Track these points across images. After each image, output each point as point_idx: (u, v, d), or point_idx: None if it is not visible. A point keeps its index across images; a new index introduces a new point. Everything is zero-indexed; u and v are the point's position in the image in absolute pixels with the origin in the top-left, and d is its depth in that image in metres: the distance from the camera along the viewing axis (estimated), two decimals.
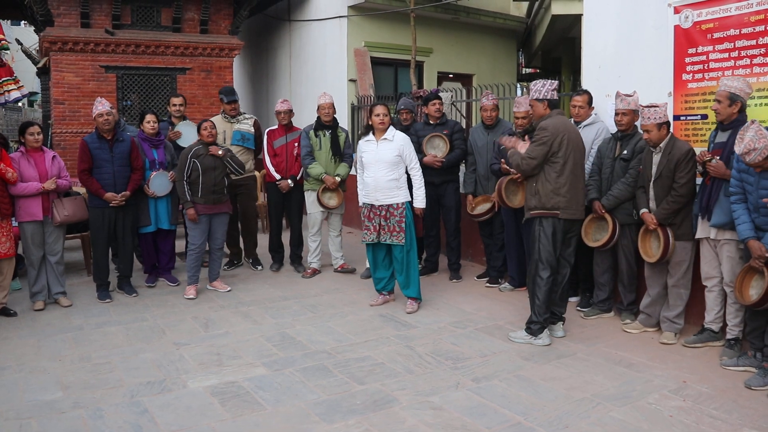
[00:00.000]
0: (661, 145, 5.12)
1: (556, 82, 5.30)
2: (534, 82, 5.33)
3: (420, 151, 6.94)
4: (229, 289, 6.91)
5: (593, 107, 6.08)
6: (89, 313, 6.12)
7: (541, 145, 5.08)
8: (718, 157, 4.76)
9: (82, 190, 6.95)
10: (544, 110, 5.23)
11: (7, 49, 9.37)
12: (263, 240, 8.04)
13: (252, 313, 6.10)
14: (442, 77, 13.18)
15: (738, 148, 4.28)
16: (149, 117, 6.86)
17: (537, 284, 5.19)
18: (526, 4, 14.39)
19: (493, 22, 13.52)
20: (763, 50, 4.99)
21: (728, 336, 4.93)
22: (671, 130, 5.22)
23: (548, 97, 5.20)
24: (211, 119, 7.23)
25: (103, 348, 5.16)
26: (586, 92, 6.09)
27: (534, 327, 5.21)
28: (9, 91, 9.08)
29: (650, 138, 5.12)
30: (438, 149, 7.09)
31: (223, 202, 6.80)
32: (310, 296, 6.70)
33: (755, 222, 4.40)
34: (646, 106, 5.13)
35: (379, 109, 6.08)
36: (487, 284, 7.08)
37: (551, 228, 5.13)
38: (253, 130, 7.72)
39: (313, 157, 7.29)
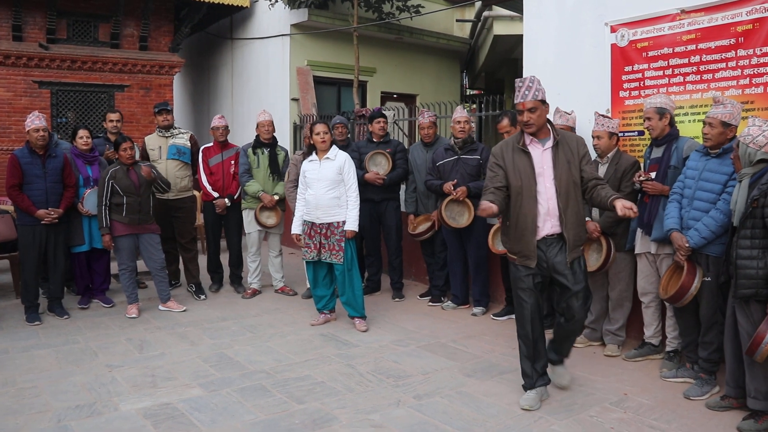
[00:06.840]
0: (609, 155, 5.19)
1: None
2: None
3: (362, 168, 6.90)
4: (184, 309, 6.70)
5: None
6: (16, 336, 5.84)
7: None
8: (653, 174, 4.84)
9: (11, 209, 6.68)
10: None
11: None
12: (201, 261, 7.82)
13: (189, 334, 5.91)
14: (386, 97, 13.18)
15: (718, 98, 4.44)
16: (82, 132, 6.64)
17: None
18: (469, 25, 14.56)
19: (437, 42, 13.62)
20: (694, 68, 5.12)
21: (668, 348, 4.98)
22: (618, 143, 5.30)
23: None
24: (147, 137, 7.04)
25: (29, 372, 4.90)
26: (503, 114, 6.16)
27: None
28: None
29: (599, 145, 5.17)
30: (380, 166, 7.05)
31: (149, 223, 6.56)
32: (250, 317, 6.55)
33: (685, 217, 4.46)
34: (601, 114, 5.22)
35: (320, 128, 5.97)
36: (430, 303, 7.03)
37: None
38: (189, 145, 7.47)
39: (250, 174, 7.17)
